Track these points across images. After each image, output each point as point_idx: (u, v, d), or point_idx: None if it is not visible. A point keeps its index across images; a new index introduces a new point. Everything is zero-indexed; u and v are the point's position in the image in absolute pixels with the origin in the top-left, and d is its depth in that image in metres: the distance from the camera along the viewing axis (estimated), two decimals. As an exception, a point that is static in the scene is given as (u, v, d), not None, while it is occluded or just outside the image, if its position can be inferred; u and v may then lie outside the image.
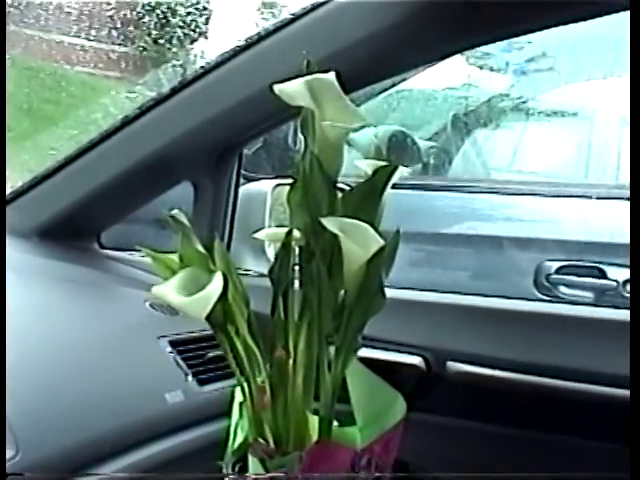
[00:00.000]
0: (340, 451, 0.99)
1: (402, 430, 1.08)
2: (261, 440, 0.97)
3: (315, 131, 0.90)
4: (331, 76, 0.89)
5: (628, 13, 0.98)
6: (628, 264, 0.93)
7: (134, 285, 1.43)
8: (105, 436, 1.11)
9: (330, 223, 0.89)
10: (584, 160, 2.76)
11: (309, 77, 0.88)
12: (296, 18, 1.28)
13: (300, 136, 0.95)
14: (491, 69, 2.98)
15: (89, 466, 1.06)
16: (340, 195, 0.93)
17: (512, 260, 2.07)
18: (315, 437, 0.98)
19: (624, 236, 0.93)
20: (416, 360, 1.40)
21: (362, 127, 0.93)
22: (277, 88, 0.87)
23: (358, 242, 0.89)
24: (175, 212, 0.96)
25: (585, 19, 1.19)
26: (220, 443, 1.03)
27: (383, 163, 0.93)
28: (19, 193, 1.54)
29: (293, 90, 0.87)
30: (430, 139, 2.63)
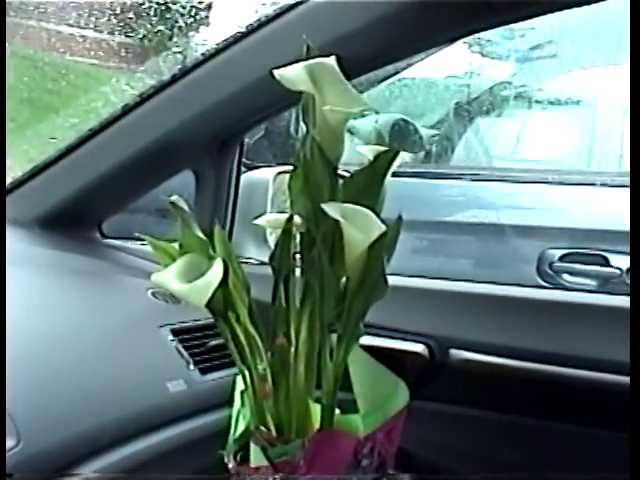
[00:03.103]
0: (342, 439, 0.99)
1: (405, 418, 1.07)
2: (263, 428, 0.97)
3: (316, 116, 0.90)
4: (332, 60, 0.88)
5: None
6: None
7: (136, 274, 1.43)
8: (107, 425, 1.11)
9: (331, 209, 0.88)
10: (587, 148, 2.75)
11: (309, 61, 0.88)
12: (297, 4, 1.27)
13: (302, 124, 0.94)
14: (493, 57, 2.97)
15: (90, 456, 1.06)
16: (341, 181, 0.93)
17: (515, 248, 2.06)
18: (317, 425, 0.97)
19: (627, 223, 0.93)
20: (419, 348, 1.40)
21: (363, 114, 0.93)
22: (277, 73, 0.87)
23: (359, 228, 0.89)
24: (175, 198, 0.96)
25: (588, 3, 1.19)
26: (222, 432, 1.03)
27: (384, 148, 0.92)
28: (20, 183, 1.53)
29: (293, 75, 0.86)
30: (432, 127, 2.63)
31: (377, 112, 2.36)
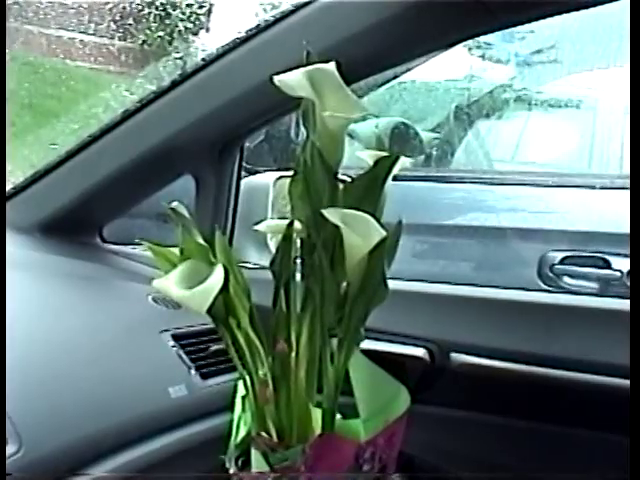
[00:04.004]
0: (344, 444, 0.99)
1: (406, 423, 1.07)
2: (264, 434, 0.97)
3: (316, 122, 0.90)
4: (331, 66, 0.88)
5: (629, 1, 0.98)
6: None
7: (136, 279, 1.43)
8: (109, 431, 1.11)
9: (331, 214, 0.88)
10: (587, 150, 2.76)
11: (309, 67, 0.88)
12: (297, 9, 1.27)
13: (302, 128, 0.94)
14: (493, 60, 2.97)
15: (92, 461, 1.06)
16: (341, 186, 0.93)
17: (516, 251, 2.07)
18: (318, 430, 0.97)
19: (628, 226, 0.93)
20: (420, 352, 1.40)
21: (363, 118, 0.93)
22: (277, 79, 0.87)
23: (360, 233, 0.89)
24: (175, 204, 0.96)
25: (587, 7, 1.19)
26: (223, 437, 1.03)
27: (385, 153, 0.93)
28: (20, 188, 1.53)
29: (293, 81, 0.86)
30: (433, 130, 2.63)
31: (377, 116, 2.36)
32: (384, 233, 0.89)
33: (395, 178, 0.95)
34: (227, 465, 1.01)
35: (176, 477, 1.19)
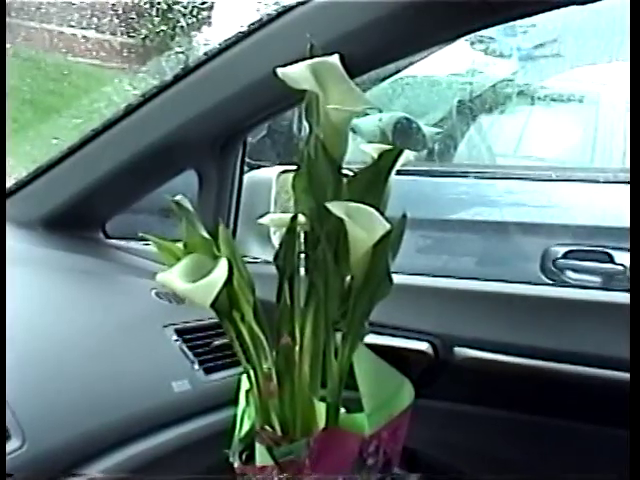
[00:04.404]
0: (348, 438, 0.99)
1: (410, 417, 1.07)
2: (268, 428, 0.97)
3: (319, 115, 0.90)
4: (335, 59, 0.88)
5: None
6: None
7: (139, 274, 1.43)
8: (112, 425, 1.11)
9: (336, 207, 0.88)
10: (590, 144, 2.75)
11: (313, 60, 0.87)
12: (299, 3, 1.27)
13: (304, 123, 0.94)
14: (496, 54, 2.96)
15: (96, 455, 1.06)
16: (345, 180, 0.93)
17: (518, 245, 2.06)
18: (322, 424, 0.97)
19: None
20: (424, 346, 1.40)
21: (366, 113, 0.92)
22: (281, 72, 0.86)
23: (364, 226, 0.88)
24: (179, 198, 0.96)
25: (584, 3, 1.18)
26: (227, 431, 1.03)
27: (388, 146, 0.92)
28: (23, 184, 1.53)
29: (297, 74, 0.86)
30: (435, 125, 2.62)
31: (380, 110, 2.35)
32: (388, 226, 0.89)
33: (398, 173, 0.95)
34: (231, 459, 1.01)
35: (179, 477, 1.19)
